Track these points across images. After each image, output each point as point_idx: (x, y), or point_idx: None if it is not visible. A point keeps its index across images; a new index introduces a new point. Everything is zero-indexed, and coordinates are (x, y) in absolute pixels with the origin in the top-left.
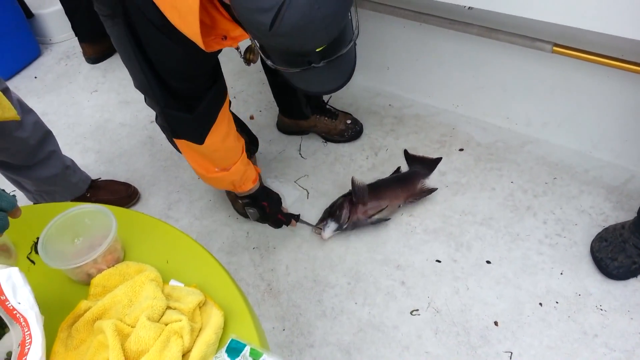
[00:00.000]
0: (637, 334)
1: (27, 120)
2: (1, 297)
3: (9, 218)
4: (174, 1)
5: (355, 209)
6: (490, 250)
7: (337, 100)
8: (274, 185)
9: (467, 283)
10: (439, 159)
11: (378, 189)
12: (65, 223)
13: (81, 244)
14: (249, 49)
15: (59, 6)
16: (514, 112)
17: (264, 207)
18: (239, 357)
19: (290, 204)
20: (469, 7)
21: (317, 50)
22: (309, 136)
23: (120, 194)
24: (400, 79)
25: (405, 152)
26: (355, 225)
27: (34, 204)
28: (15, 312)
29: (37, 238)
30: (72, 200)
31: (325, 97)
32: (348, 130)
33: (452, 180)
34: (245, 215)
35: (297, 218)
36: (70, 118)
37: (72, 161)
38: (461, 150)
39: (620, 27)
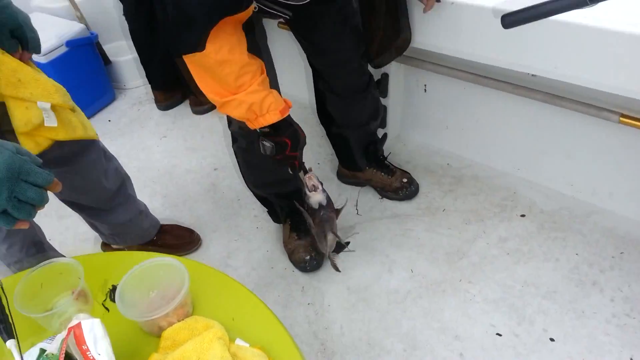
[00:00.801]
0: None
1: (109, 167)
2: (83, 347)
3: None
4: None
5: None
6: (554, 326)
7: (395, 156)
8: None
9: None
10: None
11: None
12: (141, 274)
13: (155, 295)
14: None
15: (135, 55)
16: (579, 180)
17: (284, 145)
18: None
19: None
20: (533, 75)
21: None
22: (367, 190)
23: (184, 239)
24: (460, 139)
25: None
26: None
27: (104, 243)
28: None
29: (113, 286)
30: (141, 244)
31: (385, 152)
32: (403, 188)
33: (513, 248)
34: (301, 266)
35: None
36: (140, 162)
37: (145, 205)
38: (523, 216)
39: None
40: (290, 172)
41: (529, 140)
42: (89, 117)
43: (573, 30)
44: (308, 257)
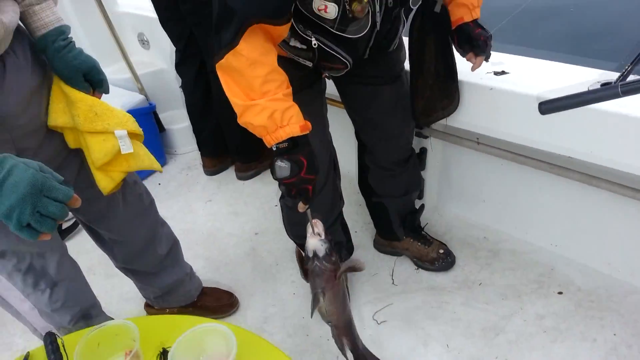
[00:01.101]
0: None
1: (162, 233)
2: None
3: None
4: None
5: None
6: None
7: (431, 227)
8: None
9: None
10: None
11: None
12: (192, 339)
13: None
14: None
15: (187, 123)
16: (616, 259)
17: (300, 164)
18: None
19: None
20: (569, 156)
21: None
22: (403, 260)
23: (223, 302)
24: (496, 213)
25: None
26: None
27: (147, 304)
28: None
29: (164, 349)
30: (183, 306)
31: (422, 223)
32: (440, 259)
33: (550, 326)
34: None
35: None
36: (186, 224)
37: (191, 267)
38: (560, 293)
39: None
40: (302, 205)
41: (566, 217)
42: (142, 180)
43: (607, 117)
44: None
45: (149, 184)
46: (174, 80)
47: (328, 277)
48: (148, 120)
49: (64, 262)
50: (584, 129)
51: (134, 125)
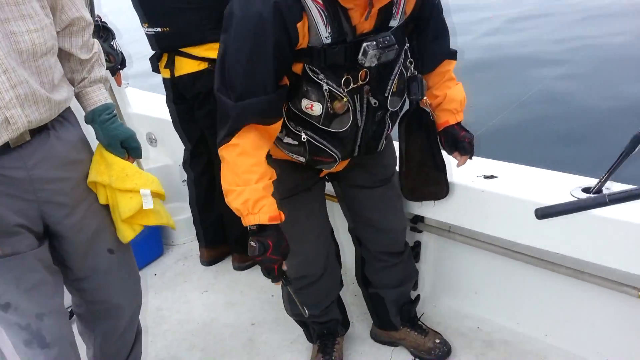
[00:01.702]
0: None
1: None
2: None
3: None
4: None
5: None
6: None
7: (426, 318)
8: None
9: None
10: None
11: None
12: None
13: None
14: (333, 96)
15: (186, 215)
16: (605, 349)
17: (266, 246)
18: None
19: None
20: (557, 253)
21: None
22: (400, 351)
23: None
24: (489, 304)
25: None
26: None
27: None
28: None
29: None
30: None
31: (418, 313)
32: (436, 349)
33: None
34: None
35: (286, 282)
36: (181, 315)
37: None
38: None
39: None
40: (268, 278)
41: (556, 308)
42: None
43: (591, 220)
44: None
45: (144, 275)
46: (178, 176)
47: None
48: None
49: (61, 327)
50: (570, 230)
51: (158, 186)
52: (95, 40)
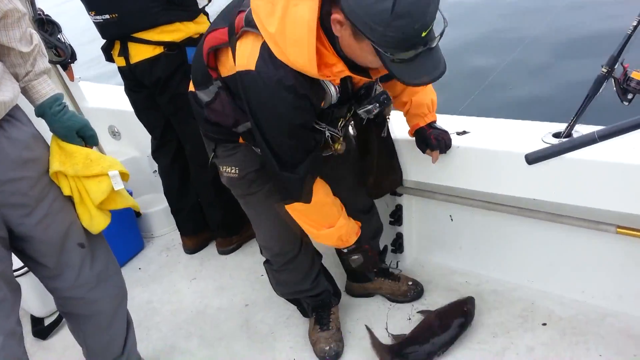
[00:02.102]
0: None
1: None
2: None
3: None
4: (290, 37)
5: None
6: None
7: (415, 277)
8: None
9: None
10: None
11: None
12: None
13: None
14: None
15: (162, 206)
16: (589, 287)
17: (366, 250)
18: None
19: None
20: (534, 199)
21: (423, 35)
22: (376, 300)
23: None
24: (474, 257)
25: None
26: None
27: None
28: None
29: None
30: None
31: (387, 261)
32: (410, 291)
33: (541, 355)
34: (321, 356)
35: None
36: (173, 305)
37: None
38: (544, 324)
39: None
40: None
41: (538, 254)
42: (121, 266)
43: (565, 162)
44: (327, 348)
45: (129, 270)
46: (148, 167)
47: None
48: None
49: (12, 350)
50: (547, 176)
51: (122, 166)
52: (34, 31)
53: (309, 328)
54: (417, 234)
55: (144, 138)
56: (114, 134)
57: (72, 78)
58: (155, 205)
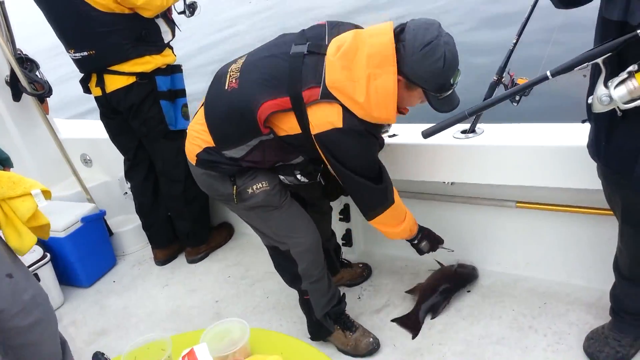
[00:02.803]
0: None
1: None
2: None
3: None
4: (375, 102)
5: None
6: None
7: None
8: None
9: None
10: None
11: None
12: (215, 331)
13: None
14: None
15: (132, 225)
16: (501, 258)
17: (428, 234)
18: None
19: None
20: (452, 183)
21: (452, 80)
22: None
23: None
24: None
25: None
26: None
27: None
28: None
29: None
30: None
31: (354, 262)
32: (363, 272)
33: (467, 314)
34: (370, 349)
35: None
36: (147, 308)
37: None
38: (469, 291)
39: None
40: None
41: (460, 234)
42: (95, 281)
43: (469, 150)
44: (370, 339)
45: (104, 283)
46: (118, 190)
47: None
48: (99, 225)
49: None
50: (461, 159)
51: (42, 186)
52: None
53: (339, 342)
54: (363, 229)
55: (114, 164)
56: (86, 161)
57: (47, 111)
58: (125, 225)
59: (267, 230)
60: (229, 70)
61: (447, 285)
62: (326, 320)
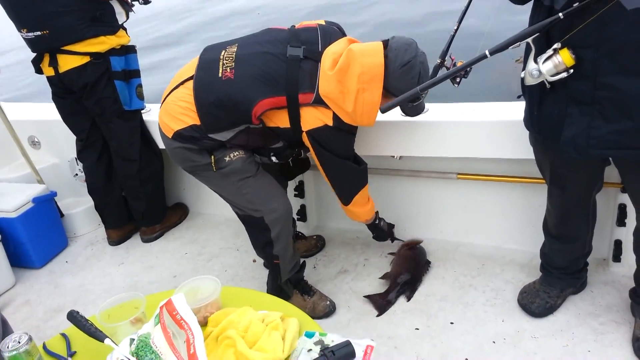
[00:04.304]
0: (562, 347)
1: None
2: (174, 313)
3: None
4: (360, 111)
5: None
6: (451, 315)
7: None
8: None
9: (440, 339)
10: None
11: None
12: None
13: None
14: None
15: (83, 207)
16: (443, 227)
17: (381, 220)
18: (313, 337)
19: None
20: (400, 157)
21: (422, 94)
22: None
23: None
24: None
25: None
26: None
27: None
28: (181, 321)
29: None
30: None
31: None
32: (317, 242)
33: None
34: (327, 312)
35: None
36: (105, 285)
37: None
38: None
39: (502, 151)
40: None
41: (406, 207)
42: (47, 262)
43: (422, 125)
44: (327, 302)
45: (57, 264)
46: (68, 172)
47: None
48: (50, 206)
49: None
50: (408, 135)
51: None
52: None
53: (298, 305)
54: (317, 205)
55: (64, 145)
56: (34, 143)
57: None
58: (75, 207)
59: (241, 199)
60: (221, 57)
61: (414, 269)
62: (287, 285)
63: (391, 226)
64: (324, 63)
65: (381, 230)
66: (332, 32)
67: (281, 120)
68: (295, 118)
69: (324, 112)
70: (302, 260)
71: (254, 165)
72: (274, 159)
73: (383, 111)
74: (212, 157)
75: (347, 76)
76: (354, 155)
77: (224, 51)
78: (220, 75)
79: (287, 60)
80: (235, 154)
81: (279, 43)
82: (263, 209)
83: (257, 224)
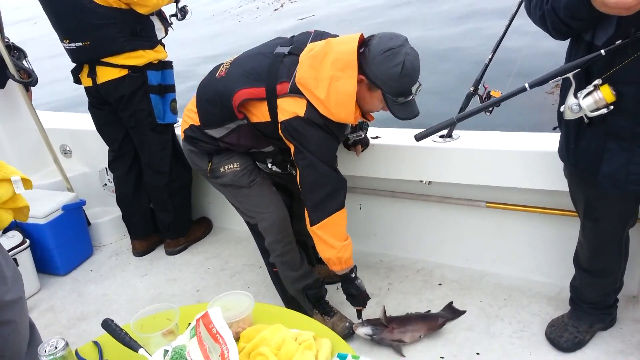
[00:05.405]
0: None
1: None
2: (210, 327)
3: None
4: (335, 101)
5: (386, 329)
6: (478, 346)
7: None
8: None
9: None
10: (463, 311)
11: (406, 320)
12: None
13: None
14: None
15: (110, 217)
16: (470, 254)
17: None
18: (346, 359)
19: None
20: (429, 182)
21: (413, 88)
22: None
23: None
24: (384, 241)
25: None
26: (381, 340)
27: None
28: (217, 335)
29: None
30: None
31: None
32: None
33: (438, 305)
34: (346, 333)
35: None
36: (128, 295)
37: None
38: (440, 284)
39: (533, 182)
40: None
41: (433, 233)
42: (71, 270)
43: (452, 152)
44: (346, 324)
45: (81, 272)
46: (97, 182)
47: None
48: (79, 214)
49: None
50: (437, 160)
51: (22, 174)
52: None
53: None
54: None
55: (95, 155)
56: (65, 152)
57: (31, 99)
58: (102, 217)
59: (239, 205)
60: (224, 62)
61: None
62: (304, 300)
63: (367, 297)
64: (303, 52)
65: (357, 288)
66: (325, 34)
67: (262, 113)
68: (273, 110)
69: (298, 101)
70: (321, 278)
71: (247, 177)
72: (271, 166)
73: (418, 139)
74: (210, 164)
75: (322, 63)
76: (336, 167)
77: (230, 58)
78: (216, 75)
79: (272, 57)
80: (229, 167)
81: (274, 45)
82: (257, 217)
83: (255, 230)
